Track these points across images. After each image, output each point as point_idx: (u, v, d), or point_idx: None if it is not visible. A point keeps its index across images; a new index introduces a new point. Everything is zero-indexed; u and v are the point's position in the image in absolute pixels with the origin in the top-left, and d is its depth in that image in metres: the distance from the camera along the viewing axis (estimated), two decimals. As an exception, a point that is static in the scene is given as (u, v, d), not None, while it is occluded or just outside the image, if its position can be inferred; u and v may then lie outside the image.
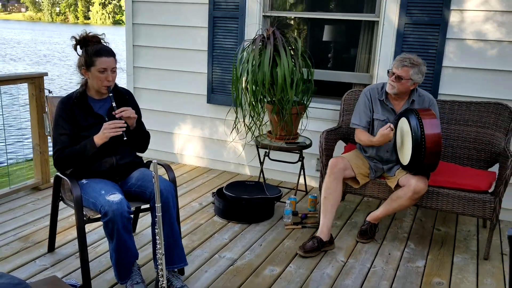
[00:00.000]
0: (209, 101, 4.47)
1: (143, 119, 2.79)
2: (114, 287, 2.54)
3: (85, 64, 2.52)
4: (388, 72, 3.11)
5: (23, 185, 3.83)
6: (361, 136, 3.21)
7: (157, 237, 2.06)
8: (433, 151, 2.78)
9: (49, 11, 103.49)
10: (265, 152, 4.01)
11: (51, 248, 2.88)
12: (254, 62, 3.50)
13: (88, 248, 2.90)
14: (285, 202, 3.68)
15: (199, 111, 4.58)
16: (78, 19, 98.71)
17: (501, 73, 3.52)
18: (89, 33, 2.58)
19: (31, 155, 4.07)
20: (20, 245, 2.96)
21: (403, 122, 2.96)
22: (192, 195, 3.95)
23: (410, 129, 2.84)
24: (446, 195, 3.03)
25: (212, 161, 4.67)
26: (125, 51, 4.79)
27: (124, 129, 2.48)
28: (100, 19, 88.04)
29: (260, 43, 3.53)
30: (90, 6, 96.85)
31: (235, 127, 4.06)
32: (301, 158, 3.88)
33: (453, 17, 3.56)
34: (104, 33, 2.62)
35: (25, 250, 2.90)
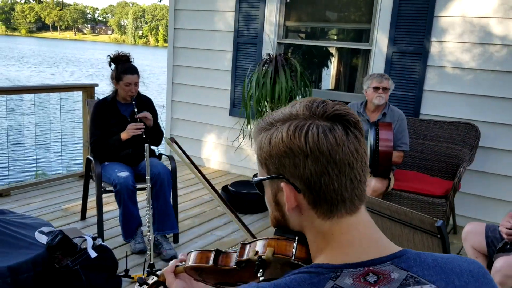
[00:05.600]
0: (231, 113, 5.23)
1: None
2: (122, 246, 3.30)
3: (115, 78, 3.36)
4: (366, 91, 3.68)
5: (73, 173, 4.76)
6: None
7: (146, 203, 2.82)
8: (384, 155, 3.33)
9: (133, 34, 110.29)
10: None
11: (83, 216, 3.73)
12: (258, 81, 4.22)
13: (110, 220, 3.73)
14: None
15: (222, 122, 5.34)
16: (158, 42, 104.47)
17: (474, 97, 3.98)
18: (120, 52, 3.45)
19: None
20: (61, 214, 3.83)
21: (368, 133, 3.55)
22: (206, 191, 4.67)
23: (368, 139, 3.42)
24: (406, 197, 3.55)
25: (231, 166, 5.40)
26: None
27: (143, 130, 3.27)
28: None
29: (265, 66, 4.25)
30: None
31: (240, 134, 4.73)
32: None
33: (434, 47, 4.09)
34: (129, 52, 3.46)
35: (64, 217, 3.76)
